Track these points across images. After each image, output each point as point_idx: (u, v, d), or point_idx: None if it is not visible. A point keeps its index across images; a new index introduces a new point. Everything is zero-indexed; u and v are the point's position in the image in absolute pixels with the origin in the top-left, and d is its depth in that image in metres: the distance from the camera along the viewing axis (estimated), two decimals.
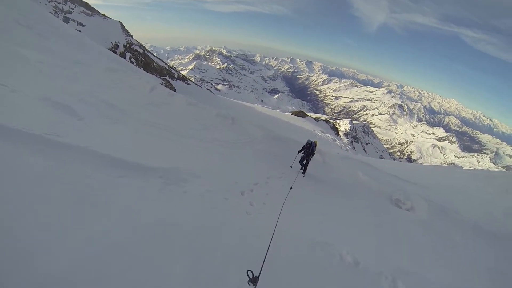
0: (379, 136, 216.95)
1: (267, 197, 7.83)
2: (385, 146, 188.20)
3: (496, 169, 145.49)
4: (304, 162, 11.99)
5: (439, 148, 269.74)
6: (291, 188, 8.53)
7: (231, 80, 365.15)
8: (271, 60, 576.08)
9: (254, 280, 3.30)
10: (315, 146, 11.95)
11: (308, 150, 11.68)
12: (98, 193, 4.61)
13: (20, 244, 3.02)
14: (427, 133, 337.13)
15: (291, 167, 12.33)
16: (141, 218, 4.45)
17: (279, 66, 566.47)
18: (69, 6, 63.71)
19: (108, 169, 5.47)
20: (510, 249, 9.77)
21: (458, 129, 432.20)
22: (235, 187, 7.84)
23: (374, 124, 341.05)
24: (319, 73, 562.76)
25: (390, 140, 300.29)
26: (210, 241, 4.58)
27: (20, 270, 2.75)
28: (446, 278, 6.23)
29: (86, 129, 7.85)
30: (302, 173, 11.89)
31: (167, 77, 61.70)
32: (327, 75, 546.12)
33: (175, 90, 40.40)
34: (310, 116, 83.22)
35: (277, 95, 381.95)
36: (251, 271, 3.35)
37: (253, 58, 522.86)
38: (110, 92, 13.67)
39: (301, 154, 12.09)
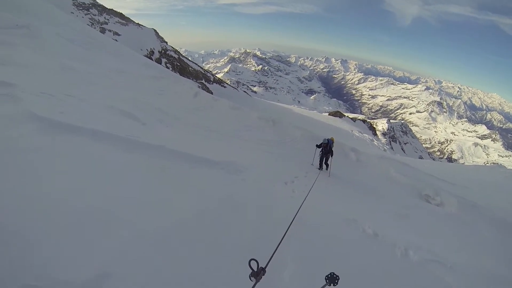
0: (418, 135, 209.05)
1: (306, 187, 9.15)
2: (424, 145, 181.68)
3: None
4: (324, 162, 12.28)
5: (481, 146, 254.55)
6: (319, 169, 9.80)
7: (266, 82, 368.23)
8: (306, 60, 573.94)
9: (257, 273, 2.59)
10: (332, 142, 12.28)
11: (326, 148, 11.94)
12: (177, 178, 6.58)
13: (130, 207, 4.85)
14: (468, 131, 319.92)
15: (312, 164, 12.68)
16: (213, 196, 6.33)
17: (314, 66, 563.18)
18: (105, 17, 68.00)
19: (181, 162, 7.43)
20: None
21: (501, 125, 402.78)
22: (280, 178, 9.51)
23: (412, 123, 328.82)
24: (354, 71, 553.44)
25: (430, 139, 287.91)
26: (264, 215, 6.26)
27: (134, 223, 4.45)
28: (457, 257, 7.00)
29: (151, 132, 9.58)
30: (326, 170, 12.26)
31: (203, 81, 64.16)
32: (362, 73, 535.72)
33: (212, 94, 42.23)
34: (347, 116, 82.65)
35: (314, 95, 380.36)
36: (256, 261, 2.59)
37: (288, 59, 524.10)
38: (159, 99, 15.39)
39: (319, 150, 12.41)
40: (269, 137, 14.66)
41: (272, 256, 3.30)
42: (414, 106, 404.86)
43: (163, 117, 12.14)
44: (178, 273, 3.77)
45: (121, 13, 73.71)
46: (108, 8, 72.07)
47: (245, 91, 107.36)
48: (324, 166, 12.32)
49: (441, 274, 5.91)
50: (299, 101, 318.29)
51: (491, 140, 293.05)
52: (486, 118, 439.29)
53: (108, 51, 25.48)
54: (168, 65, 63.03)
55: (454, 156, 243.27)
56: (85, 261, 3.42)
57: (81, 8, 64.66)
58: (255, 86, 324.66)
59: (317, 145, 12.35)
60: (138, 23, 74.06)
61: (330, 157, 12.01)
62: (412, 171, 15.92)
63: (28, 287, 2.89)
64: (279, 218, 5.97)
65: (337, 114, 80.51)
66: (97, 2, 70.32)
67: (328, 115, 79.50)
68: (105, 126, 7.88)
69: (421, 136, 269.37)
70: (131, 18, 74.47)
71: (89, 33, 29.01)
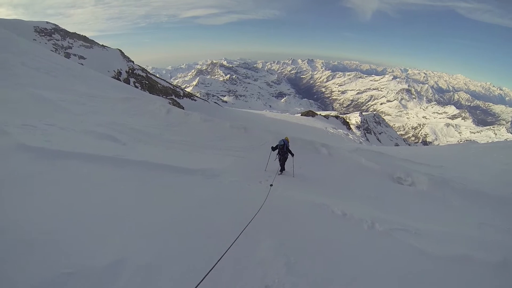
0: (391, 124, 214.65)
1: (279, 184, 10.41)
2: (398, 133, 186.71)
3: None
4: (281, 163, 12.10)
5: (453, 126, 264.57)
6: (271, 185, 9.85)
7: (236, 90, 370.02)
8: (273, 64, 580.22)
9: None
10: (288, 142, 12.03)
11: (283, 149, 11.75)
12: (162, 185, 7.87)
13: (130, 209, 6.17)
14: (439, 113, 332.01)
15: (265, 170, 12.06)
16: (195, 195, 7.73)
17: (282, 69, 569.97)
18: (68, 42, 68.17)
19: (166, 172, 8.69)
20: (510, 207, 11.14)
21: (469, 104, 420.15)
22: (254, 178, 10.73)
23: (385, 113, 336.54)
24: (322, 70, 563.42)
25: (403, 126, 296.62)
26: (244, 208, 7.41)
27: (135, 220, 5.76)
28: (423, 225, 8.21)
29: (132, 150, 10.56)
30: (281, 171, 12.11)
31: (173, 96, 64.81)
32: (330, 70, 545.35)
33: (183, 108, 42.98)
34: (320, 115, 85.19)
35: (284, 98, 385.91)
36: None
37: (255, 65, 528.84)
38: (133, 120, 16.25)
39: (276, 153, 12.11)
40: (242, 144, 15.71)
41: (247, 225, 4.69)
42: (384, 96, 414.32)
43: (139, 136, 13.02)
44: (174, 251, 5.07)
45: (85, 36, 73.91)
46: (71, 32, 72.18)
47: (215, 102, 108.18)
48: (285, 168, 12.24)
49: (405, 238, 6.94)
50: (270, 106, 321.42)
51: (462, 119, 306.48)
52: (454, 98, 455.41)
53: (75, 76, 26.05)
54: (136, 84, 63.50)
55: (428, 139, 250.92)
56: (104, 251, 4.62)
57: (43, 34, 64.64)
58: (225, 96, 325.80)
59: (272, 148, 12.12)
60: (102, 45, 74.38)
61: (292, 157, 11.99)
62: (385, 158, 17.11)
63: (64, 275, 3.99)
64: (256, 207, 7.29)
65: (309, 113, 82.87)
66: (59, 27, 70.42)
67: (301, 115, 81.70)
68: (91, 149, 8.88)
69: (394, 124, 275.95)
70: (95, 40, 74.81)
71: (54, 59, 29.48)
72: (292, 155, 11.91)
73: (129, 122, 15.23)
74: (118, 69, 65.61)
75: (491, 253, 6.55)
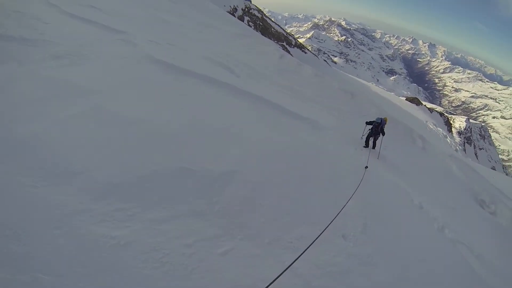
0: (496, 144, 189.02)
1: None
2: (500, 156, 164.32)
3: None
4: (373, 141, 11.64)
5: None
6: (366, 167, 9.14)
7: (348, 54, 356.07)
8: (391, 38, 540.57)
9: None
10: (385, 123, 11.41)
11: (377, 129, 11.18)
12: (273, 121, 8.51)
13: (250, 130, 6.75)
14: None
15: (361, 138, 11.87)
16: (301, 139, 8.23)
17: (400, 45, 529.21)
18: None
19: (275, 110, 9.33)
20: None
21: None
22: (352, 144, 10.90)
23: (493, 128, 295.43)
24: (441, 59, 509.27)
25: (509, 151, 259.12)
26: (338, 161, 8.04)
27: (251, 139, 6.29)
28: (486, 252, 7.78)
29: (246, 84, 11.06)
30: (372, 148, 11.55)
31: (284, 43, 64.80)
32: (450, 62, 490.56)
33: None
34: (425, 105, 78.95)
35: (394, 76, 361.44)
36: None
37: (373, 34, 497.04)
38: (246, 56, 16.73)
39: (368, 130, 11.63)
40: (347, 108, 15.50)
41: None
42: (500, 110, 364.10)
43: (252, 73, 13.53)
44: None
45: None
46: None
47: (325, 60, 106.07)
48: (371, 145, 11.66)
49: (466, 255, 6.89)
50: (378, 80, 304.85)
51: None
52: None
53: (193, 5, 27.13)
54: (250, 23, 64.24)
55: None
56: (223, 160, 5.51)
57: None
58: (336, 56, 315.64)
59: (367, 122, 11.56)
60: None
61: (382, 137, 11.38)
62: (477, 176, 15.74)
63: (184, 169, 4.86)
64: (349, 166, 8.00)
65: (414, 100, 77.51)
66: None
67: (405, 99, 76.84)
68: (211, 73, 9.65)
69: (499, 145, 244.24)
70: None
71: None
72: (383, 134, 11.24)
73: (242, 57, 15.73)
74: (234, 5, 66.59)
75: None
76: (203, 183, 4.76)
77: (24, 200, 3.62)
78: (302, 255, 3.44)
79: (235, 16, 57.52)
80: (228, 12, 55.55)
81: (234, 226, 4.32)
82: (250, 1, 72.98)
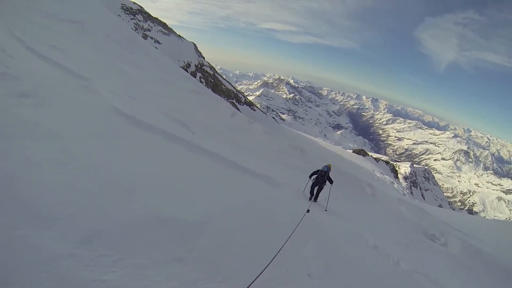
0: (440, 183, 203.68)
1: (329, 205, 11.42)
2: (445, 194, 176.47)
3: None
4: (315, 190, 11.39)
5: (505, 201, 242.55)
6: (308, 210, 9.16)
7: (296, 111, 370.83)
8: (337, 94, 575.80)
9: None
10: (330, 170, 11.45)
11: (323, 177, 11.15)
12: (231, 179, 9.12)
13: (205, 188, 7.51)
14: (493, 184, 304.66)
15: (303, 192, 11.90)
16: (259, 195, 8.90)
17: (345, 101, 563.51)
18: (149, 25, 72.93)
19: (232, 168, 9.94)
20: None
21: None
22: (302, 194, 11.84)
23: (436, 170, 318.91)
24: (384, 111, 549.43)
25: (452, 188, 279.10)
26: (295, 212, 8.23)
27: (209, 199, 6.94)
28: (443, 278, 9.01)
29: (202, 141, 11.65)
30: (314, 200, 11.33)
31: (234, 101, 67.09)
32: (392, 114, 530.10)
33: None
34: (371, 156, 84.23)
35: (340, 131, 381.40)
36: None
37: (320, 91, 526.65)
38: (200, 113, 17.58)
39: (312, 179, 11.43)
40: (297, 163, 16.61)
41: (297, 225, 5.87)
42: (440, 152, 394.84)
43: (206, 129, 14.28)
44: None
45: (165, 23, 78.63)
46: (154, 16, 77.07)
47: (273, 117, 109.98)
48: (314, 194, 11.48)
49: (423, 283, 7.98)
50: (325, 135, 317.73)
51: None
52: None
53: (150, 58, 27.85)
54: (202, 79, 66.33)
55: (475, 209, 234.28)
56: (192, 211, 6.04)
57: (128, 13, 69.63)
58: (284, 113, 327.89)
59: (310, 175, 11.53)
60: (179, 35, 78.74)
61: (330, 185, 11.34)
62: (425, 215, 17.07)
63: (158, 219, 5.37)
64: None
65: (361, 152, 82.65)
66: (144, 9, 75.38)
67: (352, 152, 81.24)
68: (170, 128, 10.22)
69: (443, 184, 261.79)
70: (173, 29, 79.10)
71: (133, 37, 31.39)
72: (331, 182, 11.27)
73: (197, 114, 16.53)
74: (188, 61, 69.11)
75: None
76: (178, 232, 5.24)
77: (7, 241, 3.75)
78: None
79: (188, 72, 59.14)
80: (181, 67, 57.20)
81: (212, 270, 4.81)
82: (204, 58, 75.63)
